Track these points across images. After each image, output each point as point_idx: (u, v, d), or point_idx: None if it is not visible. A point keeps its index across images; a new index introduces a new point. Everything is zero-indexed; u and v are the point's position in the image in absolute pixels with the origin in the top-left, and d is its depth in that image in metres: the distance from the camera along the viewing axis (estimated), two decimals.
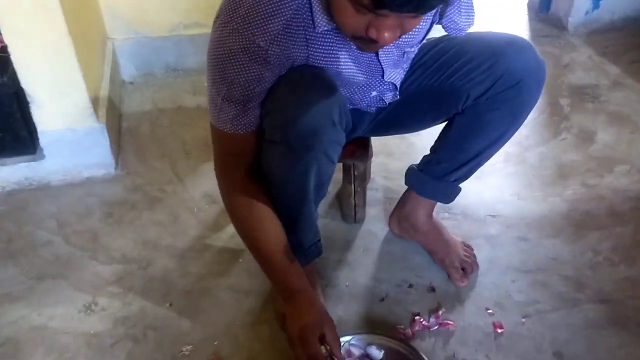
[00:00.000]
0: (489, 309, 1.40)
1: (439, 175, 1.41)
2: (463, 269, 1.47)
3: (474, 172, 1.40)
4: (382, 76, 1.19)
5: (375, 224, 1.64)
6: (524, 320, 1.37)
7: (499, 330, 1.35)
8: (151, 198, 1.78)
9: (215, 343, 1.35)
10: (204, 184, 1.80)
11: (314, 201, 1.23)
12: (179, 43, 2.35)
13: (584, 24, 2.49)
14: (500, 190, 1.76)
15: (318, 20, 1.00)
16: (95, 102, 1.79)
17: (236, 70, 1.03)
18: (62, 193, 1.80)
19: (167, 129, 2.08)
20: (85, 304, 1.45)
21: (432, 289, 1.45)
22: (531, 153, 1.89)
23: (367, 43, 0.95)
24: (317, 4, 0.98)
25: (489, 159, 1.37)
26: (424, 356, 1.22)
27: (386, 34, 0.89)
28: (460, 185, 1.44)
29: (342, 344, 1.26)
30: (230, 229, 1.61)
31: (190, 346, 1.35)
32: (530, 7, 2.76)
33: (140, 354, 1.34)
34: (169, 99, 2.24)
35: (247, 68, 1.03)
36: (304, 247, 1.33)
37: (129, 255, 1.59)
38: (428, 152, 1.44)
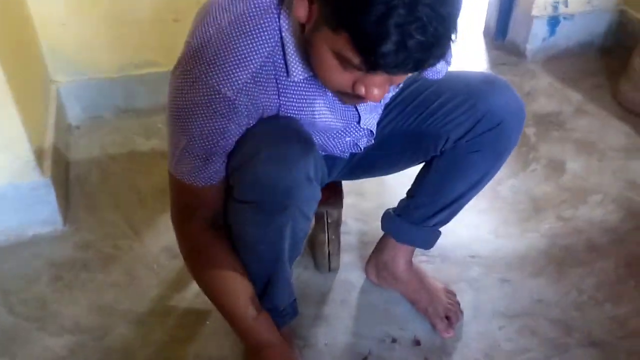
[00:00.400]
0: None
1: (417, 221, 1.32)
2: (447, 318, 1.38)
3: (454, 216, 1.32)
4: (358, 122, 1.11)
5: (351, 272, 1.54)
6: None
7: None
8: (104, 256, 1.62)
9: None
10: (163, 237, 1.66)
11: (288, 260, 1.13)
12: (128, 83, 2.21)
13: (541, 50, 2.48)
14: (477, 228, 1.69)
15: (293, 69, 0.91)
16: (39, 153, 1.64)
17: (198, 122, 0.93)
18: (5, 255, 1.62)
19: (119, 177, 1.93)
20: None
21: (417, 343, 1.36)
22: (503, 187, 1.84)
23: (353, 98, 0.87)
24: (292, 52, 0.89)
25: (469, 201, 1.29)
26: None
27: (375, 91, 0.80)
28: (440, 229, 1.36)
29: None
30: (195, 286, 1.45)
31: None
32: (486, 34, 2.75)
33: None
34: (120, 144, 2.09)
35: (210, 120, 0.93)
36: (279, 310, 1.22)
37: (82, 325, 1.43)
38: (401, 190, 1.36)
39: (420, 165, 1.32)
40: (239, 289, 1.06)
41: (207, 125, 0.93)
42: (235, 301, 1.06)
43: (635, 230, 1.66)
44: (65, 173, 1.91)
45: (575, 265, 1.56)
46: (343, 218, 1.68)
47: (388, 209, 1.40)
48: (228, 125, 0.94)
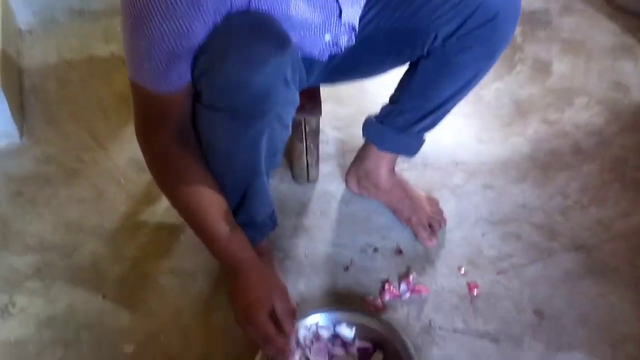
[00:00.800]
0: (462, 268, 1.29)
1: (401, 127, 1.24)
2: (430, 226, 1.34)
3: (440, 121, 1.25)
4: (339, 16, 0.99)
5: (330, 183, 1.48)
6: (499, 277, 1.27)
7: (475, 292, 1.24)
8: (68, 170, 1.52)
9: (162, 338, 1.18)
10: (129, 148, 1.56)
11: (266, 172, 1.05)
12: None
13: None
14: (459, 134, 1.62)
15: None
16: None
17: (157, 23, 0.81)
18: None
19: (78, 85, 1.78)
20: (0, 306, 1.23)
21: (400, 251, 1.32)
22: (487, 90, 1.76)
23: None
24: None
25: (456, 105, 1.21)
26: (398, 332, 1.10)
27: None
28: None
29: (308, 327, 1.12)
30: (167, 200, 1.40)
31: (133, 345, 1.17)
32: None
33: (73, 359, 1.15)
34: (77, 49, 1.92)
35: (171, 19, 0.81)
36: (257, 223, 1.15)
37: (48, 242, 1.35)
38: (383, 95, 1.28)
39: (404, 68, 1.22)
40: (211, 204, 0.99)
41: (168, 25, 0.81)
42: (207, 217, 0.98)
43: (621, 132, 1.62)
44: (18, 82, 1.76)
45: (560, 169, 1.52)
46: (321, 126, 1.60)
47: (369, 116, 1.32)
48: (192, 23, 0.82)
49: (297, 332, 1.00)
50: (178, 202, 1.01)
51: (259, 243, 1.19)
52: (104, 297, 1.24)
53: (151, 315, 1.21)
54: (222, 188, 1.01)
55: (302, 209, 1.42)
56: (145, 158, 1.00)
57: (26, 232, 1.37)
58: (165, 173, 0.99)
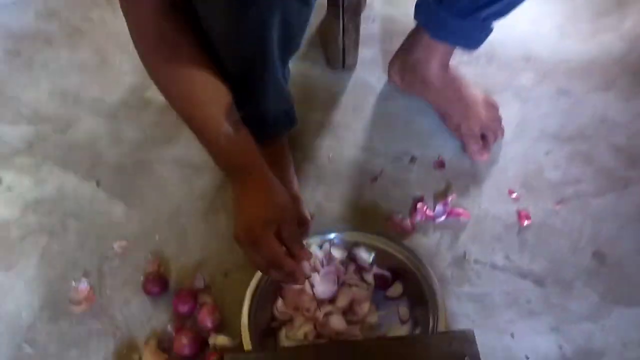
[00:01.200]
0: (514, 192, 1.07)
1: (464, 11, 0.97)
2: (483, 137, 1.10)
3: (515, 7, 0.96)
4: None
5: (369, 72, 1.23)
6: (558, 207, 1.05)
7: (525, 222, 1.04)
8: (71, 30, 1.33)
9: (157, 238, 1.04)
10: None
11: (281, 60, 0.83)
12: None
13: None
14: (537, 23, 1.31)
15: None
16: None
17: None
18: None
19: None
20: None
21: (441, 164, 1.11)
22: None
23: None
24: None
25: None
26: (422, 261, 0.92)
27: None
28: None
29: (321, 244, 0.96)
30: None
31: (124, 241, 1.04)
32: None
33: (58, 251, 1.03)
34: None
35: None
36: (268, 121, 0.95)
37: (42, 112, 1.20)
38: None
39: None
40: (210, 94, 0.78)
41: None
42: (205, 110, 0.78)
43: None
44: None
45: None
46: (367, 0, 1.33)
47: None
48: None
49: (310, 255, 0.82)
50: (170, 92, 0.81)
51: (270, 140, 1.00)
52: (97, 184, 1.10)
53: (147, 210, 1.07)
54: (224, 78, 0.80)
55: (332, 101, 1.20)
56: (131, 35, 0.78)
57: (20, 99, 1.22)
58: (155, 52, 0.78)
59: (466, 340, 0.81)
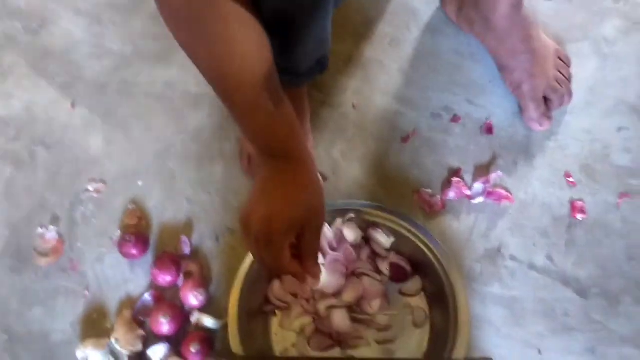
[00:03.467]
0: (571, 177, 0.88)
1: None
2: (547, 101, 0.89)
3: None
4: None
5: None
6: (621, 201, 0.87)
7: (579, 216, 0.86)
8: None
9: (140, 184, 0.88)
10: None
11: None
12: None
13: None
14: None
15: None
16: None
17: None
18: None
19: None
20: None
21: (489, 129, 0.91)
22: None
23: None
24: None
25: None
26: (451, 260, 0.76)
27: None
28: None
29: (331, 219, 0.80)
30: None
31: (101, 184, 0.88)
32: None
33: (24, 186, 0.88)
34: None
35: None
36: (299, 72, 0.75)
37: (11, 3, 0.98)
38: None
39: None
40: (251, 56, 0.57)
41: None
42: (242, 78, 0.57)
43: None
44: None
45: None
46: None
47: None
48: None
49: (320, 272, 0.67)
50: (195, 51, 0.58)
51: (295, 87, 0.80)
52: (72, 105, 0.92)
53: (130, 146, 0.90)
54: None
55: (365, 29, 0.96)
56: None
57: None
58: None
59: None
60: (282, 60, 0.70)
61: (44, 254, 0.84)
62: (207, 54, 0.57)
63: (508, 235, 0.86)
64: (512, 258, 0.85)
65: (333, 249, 0.80)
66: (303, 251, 0.64)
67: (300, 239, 0.63)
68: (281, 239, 0.60)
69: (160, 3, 0.54)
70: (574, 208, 0.87)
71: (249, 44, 0.57)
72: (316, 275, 0.64)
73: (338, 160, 0.89)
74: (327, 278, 0.78)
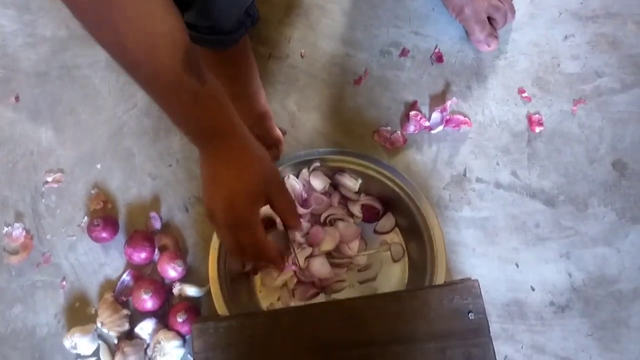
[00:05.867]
0: (525, 92, 0.89)
1: None
2: (490, 21, 0.89)
3: None
4: None
5: None
6: (576, 107, 0.89)
7: (537, 129, 0.88)
8: None
9: (99, 166, 0.87)
10: None
11: None
12: None
13: None
14: None
15: None
16: None
17: None
18: None
19: None
20: None
21: (439, 58, 0.91)
22: None
23: None
24: None
25: None
26: (419, 192, 0.77)
27: None
28: None
29: (297, 172, 0.80)
30: None
31: (59, 173, 0.86)
32: None
33: None
34: None
35: None
36: (224, 30, 0.73)
37: None
38: None
39: None
40: (159, 31, 0.53)
41: None
42: (155, 60, 0.53)
43: None
44: None
45: None
46: None
47: None
48: None
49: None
50: (96, 25, 0.55)
51: (230, 46, 0.78)
52: (16, 99, 0.89)
53: (82, 130, 0.88)
54: None
55: None
56: None
57: None
58: None
59: (470, 292, 0.70)
60: (203, 21, 0.69)
61: (14, 252, 0.83)
62: (118, 45, 0.53)
63: (471, 158, 0.87)
64: (478, 180, 0.86)
65: (303, 200, 0.80)
66: (281, 214, 0.65)
67: (273, 207, 0.64)
68: (250, 217, 0.61)
69: None
70: (531, 122, 0.88)
71: (159, 25, 0.53)
72: (301, 227, 0.66)
73: (294, 111, 0.89)
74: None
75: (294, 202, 0.67)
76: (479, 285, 0.69)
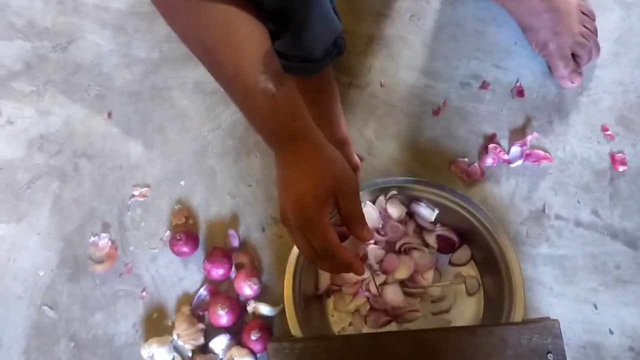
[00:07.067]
0: (608, 130, 0.88)
1: None
2: (574, 58, 0.89)
3: None
4: None
5: None
6: None
7: (620, 168, 0.86)
8: None
9: (183, 183, 0.90)
10: None
11: None
12: None
13: None
14: None
15: None
16: None
17: None
18: None
19: None
20: None
21: (520, 92, 0.91)
22: None
23: None
24: None
25: None
26: (496, 225, 0.76)
27: None
28: None
29: (374, 198, 0.81)
30: None
31: (145, 187, 0.90)
32: None
33: (72, 198, 0.91)
34: None
35: None
36: (314, 59, 0.76)
37: (38, 23, 1.01)
38: None
39: None
40: (244, 41, 0.58)
41: None
42: (238, 65, 0.59)
43: None
44: None
45: None
46: None
47: None
48: None
49: (372, 235, 0.67)
50: (186, 31, 0.60)
51: (315, 73, 0.81)
52: (109, 115, 0.94)
53: (169, 148, 0.92)
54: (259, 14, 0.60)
55: (384, 8, 0.97)
56: None
57: (10, 6, 1.02)
58: None
59: (550, 333, 0.69)
60: (295, 50, 0.72)
61: (99, 261, 0.87)
62: (202, 42, 0.59)
63: (551, 194, 0.86)
64: (558, 217, 0.85)
65: (379, 228, 0.81)
66: (346, 219, 0.64)
67: (339, 211, 0.63)
68: (320, 217, 0.60)
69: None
70: (614, 160, 0.86)
71: (244, 29, 0.58)
72: (369, 237, 0.65)
73: (372, 139, 0.90)
74: (379, 253, 0.80)
75: (361, 210, 0.66)
76: (559, 326, 0.68)
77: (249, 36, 0.59)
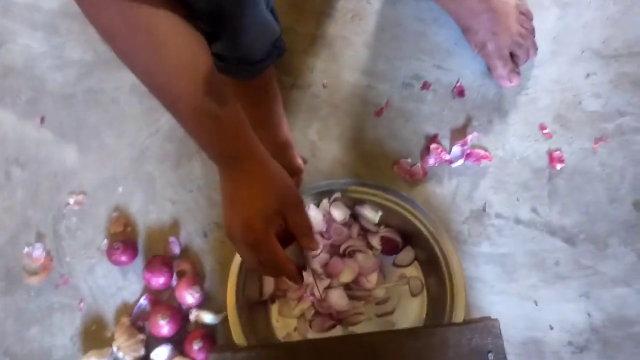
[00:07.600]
0: (546, 128, 0.89)
1: None
2: (512, 57, 0.90)
3: None
4: None
5: None
6: (597, 145, 0.89)
7: (558, 166, 0.88)
8: None
9: (120, 190, 0.87)
10: None
11: None
12: None
13: None
14: None
15: None
16: None
17: None
18: None
19: None
20: None
21: (460, 92, 0.91)
22: None
23: None
24: None
25: None
26: (439, 227, 0.77)
27: None
28: None
29: (317, 202, 0.80)
30: None
31: (81, 195, 0.87)
32: None
33: (4, 207, 0.87)
34: None
35: None
36: (252, 61, 0.74)
37: None
38: None
39: None
40: (184, 58, 0.56)
41: None
42: (178, 86, 0.56)
43: None
44: None
45: None
46: None
47: None
48: None
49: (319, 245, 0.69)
50: (125, 56, 0.56)
51: (256, 77, 0.80)
52: (42, 120, 0.91)
53: (105, 153, 0.89)
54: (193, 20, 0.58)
55: (326, 8, 0.96)
56: None
57: None
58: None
59: (490, 332, 0.69)
60: (232, 52, 0.70)
61: (34, 272, 0.84)
62: (143, 67, 0.56)
63: (491, 193, 0.87)
64: (498, 215, 0.86)
65: (323, 230, 0.81)
66: (295, 233, 0.65)
67: (288, 226, 0.64)
68: (267, 236, 0.61)
69: (90, 19, 0.53)
70: (552, 158, 0.88)
71: (183, 51, 0.56)
72: (315, 248, 0.66)
73: (315, 141, 0.89)
74: (323, 257, 0.79)
75: (309, 222, 0.66)
76: (499, 325, 0.69)
77: (188, 58, 0.56)
